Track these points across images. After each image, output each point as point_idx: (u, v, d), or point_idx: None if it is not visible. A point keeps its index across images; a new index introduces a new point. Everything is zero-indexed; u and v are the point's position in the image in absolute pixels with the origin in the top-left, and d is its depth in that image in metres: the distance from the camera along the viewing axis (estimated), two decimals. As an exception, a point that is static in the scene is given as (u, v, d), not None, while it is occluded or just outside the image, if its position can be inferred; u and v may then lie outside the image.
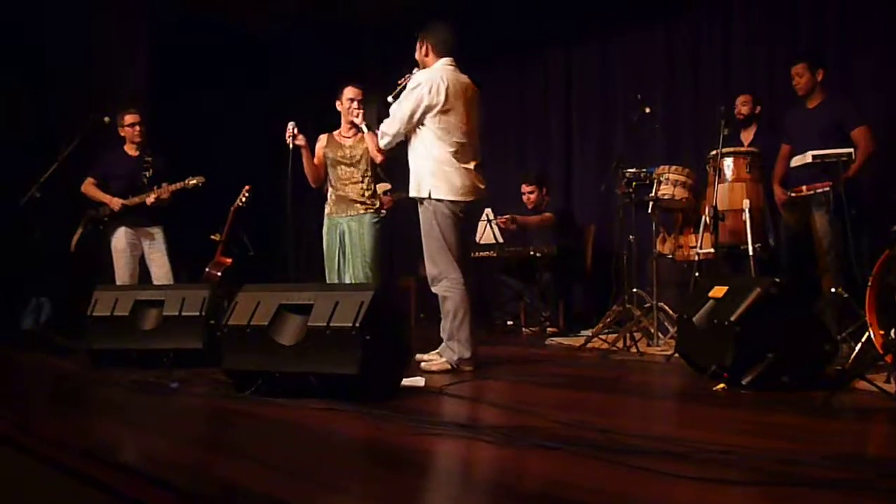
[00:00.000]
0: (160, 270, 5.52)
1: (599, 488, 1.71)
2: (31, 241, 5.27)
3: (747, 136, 5.40)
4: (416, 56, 4.01)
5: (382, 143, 4.04)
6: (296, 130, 4.54)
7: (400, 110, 3.89)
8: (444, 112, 3.81)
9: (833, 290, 4.17)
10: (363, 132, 4.60)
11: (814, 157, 4.27)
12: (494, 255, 6.50)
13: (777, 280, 3.22)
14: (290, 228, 4.68)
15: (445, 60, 3.93)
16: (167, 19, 7.86)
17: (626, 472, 1.80)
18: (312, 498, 1.69)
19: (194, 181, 5.43)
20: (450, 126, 3.84)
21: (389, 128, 3.96)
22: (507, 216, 6.43)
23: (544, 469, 1.92)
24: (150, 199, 5.39)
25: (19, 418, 2.64)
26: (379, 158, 4.50)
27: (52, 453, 2.22)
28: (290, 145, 4.53)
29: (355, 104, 4.57)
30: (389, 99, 4.05)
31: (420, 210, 3.93)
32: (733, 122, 5.29)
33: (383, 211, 4.67)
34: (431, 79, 3.82)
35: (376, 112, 8.31)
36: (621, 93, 6.85)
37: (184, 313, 4.03)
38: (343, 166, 4.60)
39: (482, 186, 3.98)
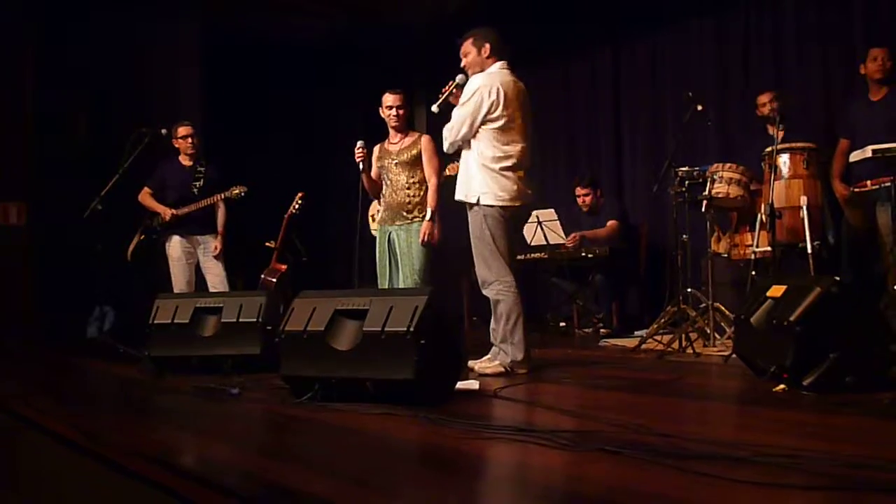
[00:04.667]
0: (216, 278, 5.64)
1: (659, 493, 1.69)
2: (95, 252, 5.42)
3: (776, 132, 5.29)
4: (471, 58, 3.95)
5: (445, 146, 4.02)
6: (363, 150, 4.60)
7: (461, 115, 3.85)
8: (500, 118, 3.80)
9: (896, 287, 4.05)
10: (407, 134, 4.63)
11: (874, 151, 4.16)
12: (545, 256, 6.46)
13: (838, 278, 3.14)
14: (358, 238, 4.82)
15: (502, 63, 3.92)
16: (217, 31, 8.02)
17: (688, 478, 1.77)
18: (369, 502, 1.70)
19: (237, 191, 5.54)
20: (505, 131, 3.82)
21: (451, 133, 3.92)
22: (575, 236, 6.34)
23: (603, 474, 1.90)
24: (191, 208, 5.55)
25: (87, 425, 2.71)
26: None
27: (118, 458, 2.28)
28: (360, 164, 4.63)
29: (393, 111, 4.59)
30: (434, 108, 4.03)
31: (469, 214, 3.93)
32: (771, 119, 5.25)
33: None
34: (490, 83, 3.80)
35: (425, 116, 8.38)
36: (671, 91, 6.75)
37: (241, 320, 4.10)
38: (393, 173, 4.63)
39: (530, 192, 3.96)
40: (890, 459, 1.87)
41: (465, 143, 3.93)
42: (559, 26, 7.50)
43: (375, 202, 5.76)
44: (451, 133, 3.92)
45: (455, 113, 3.90)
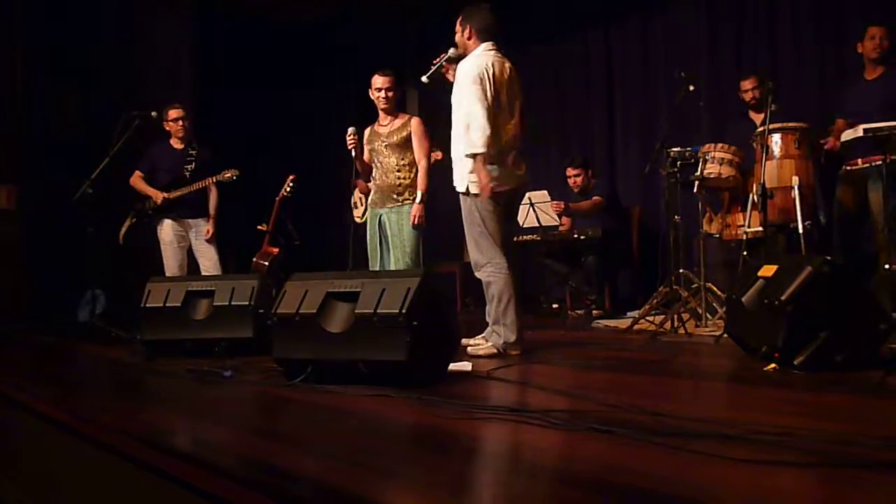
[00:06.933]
0: (208, 262, 5.64)
1: (651, 472, 1.70)
2: (86, 236, 5.40)
3: (758, 117, 5.30)
4: (457, 38, 3.94)
5: (480, 145, 3.65)
6: (354, 137, 4.58)
7: (474, 110, 3.67)
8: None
9: (887, 266, 4.07)
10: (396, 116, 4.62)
11: (865, 130, 4.17)
12: (538, 238, 6.47)
13: (829, 258, 3.15)
14: (350, 222, 4.84)
15: (487, 45, 3.87)
16: (211, 13, 7.95)
17: (678, 456, 1.79)
18: (363, 483, 1.71)
19: (229, 174, 5.52)
20: (491, 115, 3.79)
21: (482, 132, 3.65)
22: (559, 203, 6.37)
23: (595, 453, 1.91)
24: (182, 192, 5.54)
25: (79, 408, 2.71)
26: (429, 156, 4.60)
27: (111, 441, 2.29)
28: (352, 151, 4.62)
29: (382, 93, 4.57)
30: (424, 79, 4.00)
31: (460, 198, 3.92)
32: (753, 105, 5.40)
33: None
34: (480, 65, 3.75)
35: (417, 98, 8.32)
36: (663, 71, 6.74)
37: (234, 303, 4.09)
38: (383, 155, 4.61)
39: (520, 173, 3.94)
40: (880, 437, 1.89)
41: (454, 130, 3.87)
42: (550, 6, 7.46)
43: (357, 191, 5.79)
44: (482, 131, 3.65)
45: (470, 114, 3.68)
